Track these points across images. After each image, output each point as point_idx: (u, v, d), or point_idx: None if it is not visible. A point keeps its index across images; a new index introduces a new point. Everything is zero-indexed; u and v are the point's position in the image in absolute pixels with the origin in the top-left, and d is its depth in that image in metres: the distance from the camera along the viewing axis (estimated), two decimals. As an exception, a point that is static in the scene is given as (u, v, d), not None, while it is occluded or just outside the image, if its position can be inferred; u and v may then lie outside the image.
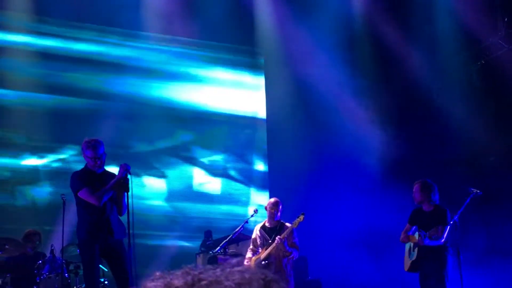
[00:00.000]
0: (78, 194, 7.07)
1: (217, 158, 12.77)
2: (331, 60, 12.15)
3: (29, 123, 11.31)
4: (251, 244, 8.72)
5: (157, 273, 2.07)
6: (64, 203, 8.18)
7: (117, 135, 11.40)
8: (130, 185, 7.04)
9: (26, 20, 11.44)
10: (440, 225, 7.97)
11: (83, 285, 8.02)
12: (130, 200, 7.03)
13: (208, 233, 10.98)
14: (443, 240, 7.95)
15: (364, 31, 12.39)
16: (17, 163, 11.29)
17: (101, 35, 11.97)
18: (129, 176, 7.06)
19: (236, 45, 12.98)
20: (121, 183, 7.04)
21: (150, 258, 10.69)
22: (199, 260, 10.37)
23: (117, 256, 7.13)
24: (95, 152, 7.05)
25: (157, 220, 11.80)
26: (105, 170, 7.28)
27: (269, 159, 12.89)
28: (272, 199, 8.80)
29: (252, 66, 13.22)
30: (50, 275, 8.50)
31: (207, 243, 10.66)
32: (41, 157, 11.46)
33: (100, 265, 7.72)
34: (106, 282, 8.65)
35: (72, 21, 11.77)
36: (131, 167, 7.11)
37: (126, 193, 7.06)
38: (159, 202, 12.11)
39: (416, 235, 8.13)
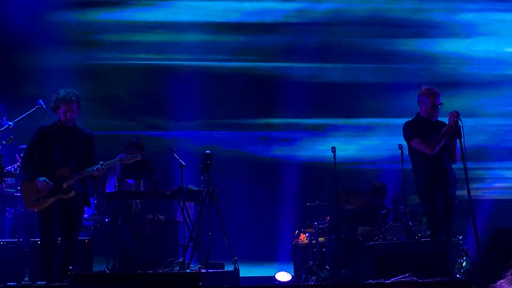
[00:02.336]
0: (411, 143, 7.22)
1: None
2: None
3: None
4: None
5: None
6: (401, 153, 8.29)
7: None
8: (462, 132, 6.98)
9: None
10: None
11: (428, 232, 8.08)
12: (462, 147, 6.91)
13: None
14: None
15: None
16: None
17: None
18: (460, 123, 7.00)
19: None
20: (453, 130, 7.02)
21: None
22: None
23: (446, 213, 7.06)
24: (435, 99, 7.16)
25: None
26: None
27: None
28: None
29: None
30: (395, 224, 8.72)
31: None
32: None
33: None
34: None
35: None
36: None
37: (458, 140, 7.01)
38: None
39: None
